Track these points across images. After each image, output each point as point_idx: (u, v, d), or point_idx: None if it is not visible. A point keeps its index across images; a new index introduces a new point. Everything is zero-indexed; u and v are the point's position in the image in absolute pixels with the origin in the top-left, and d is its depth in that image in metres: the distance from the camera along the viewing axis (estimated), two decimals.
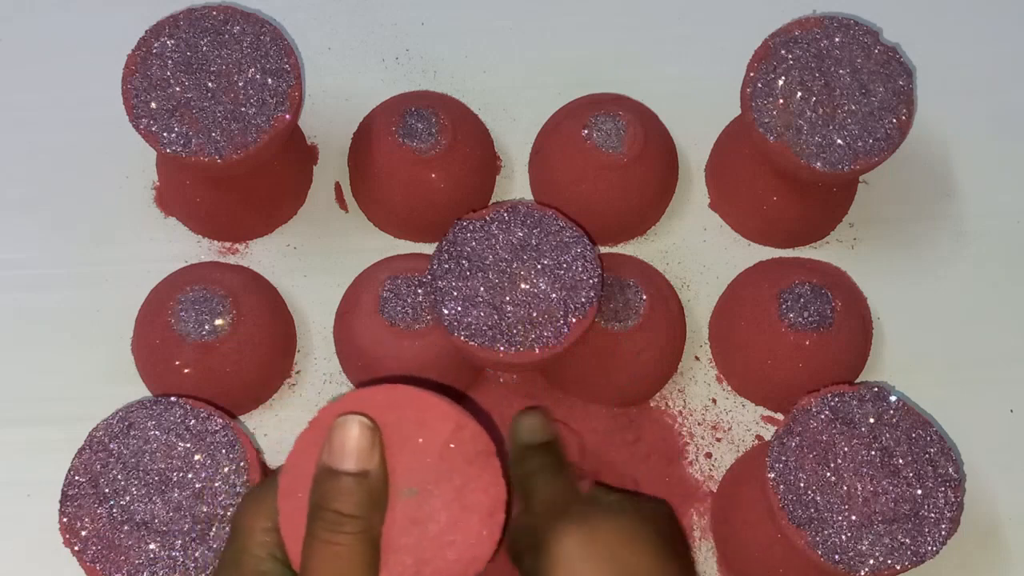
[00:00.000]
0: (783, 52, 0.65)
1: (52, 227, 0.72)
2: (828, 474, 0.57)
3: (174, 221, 0.73)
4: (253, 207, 0.71)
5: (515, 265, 0.61)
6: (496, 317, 0.60)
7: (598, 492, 0.56)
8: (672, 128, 0.74)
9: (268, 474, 0.62)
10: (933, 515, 0.56)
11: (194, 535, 0.57)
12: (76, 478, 0.58)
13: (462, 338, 0.60)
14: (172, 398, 0.59)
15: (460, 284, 0.61)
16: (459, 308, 0.60)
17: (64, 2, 0.78)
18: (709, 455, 0.68)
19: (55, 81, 0.76)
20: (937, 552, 0.56)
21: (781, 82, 0.65)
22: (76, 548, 0.57)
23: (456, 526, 0.46)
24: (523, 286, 0.61)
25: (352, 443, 0.47)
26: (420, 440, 0.47)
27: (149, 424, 0.59)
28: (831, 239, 0.73)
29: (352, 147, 0.73)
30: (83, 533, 0.57)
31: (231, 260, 0.72)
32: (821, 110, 0.64)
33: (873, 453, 0.57)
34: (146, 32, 0.64)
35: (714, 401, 0.70)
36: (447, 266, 0.61)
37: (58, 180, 0.73)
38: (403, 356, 0.64)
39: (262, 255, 0.72)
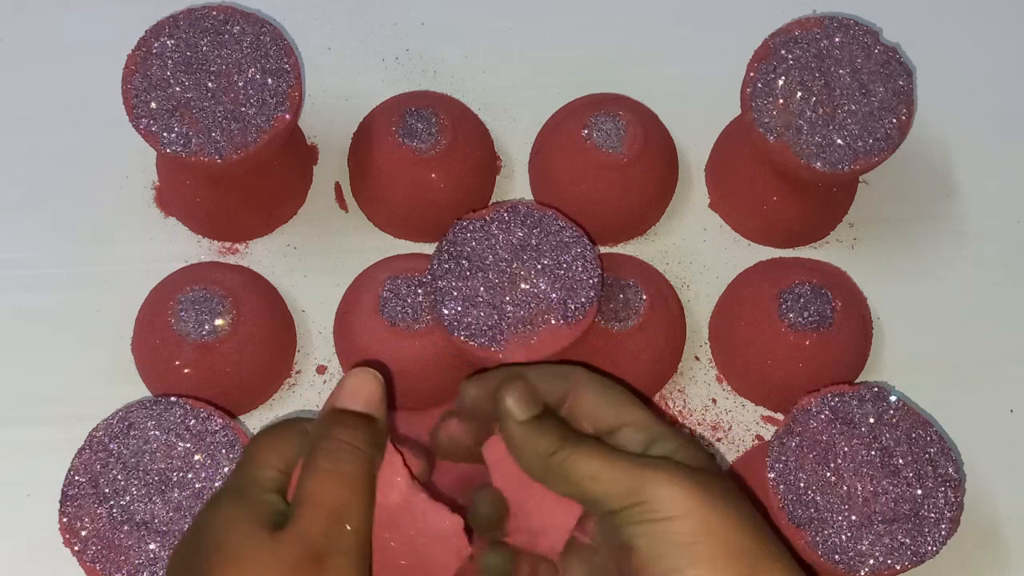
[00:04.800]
0: (783, 52, 0.65)
1: (52, 227, 0.72)
2: (828, 474, 0.57)
3: (174, 221, 0.73)
4: (253, 207, 0.71)
5: (515, 265, 0.61)
6: (496, 317, 0.60)
7: (642, 438, 0.49)
8: (672, 128, 0.74)
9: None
10: (933, 515, 0.56)
11: None
12: (76, 478, 0.58)
13: (462, 338, 0.60)
14: (172, 398, 0.59)
15: (460, 284, 0.61)
16: (459, 308, 0.60)
17: (64, 2, 0.78)
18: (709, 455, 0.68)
19: (55, 81, 0.76)
20: (937, 552, 0.56)
21: (781, 82, 0.65)
22: (76, 548, 0.57)
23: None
24: (523, 286, 0.61)
25: (364, 389, 0.48)
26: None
27: (149, 424, 0.59)
28: (831, 239, 0.73)
29: (352, 147, 0.73)
30: (83, 533, 0.57)
31: (231, 260, 0.72)
32: (821, 110, 0.64)
33: (873, 453, 0.57)
34: (146, 32, 0.64)
35: (714, 401, 0.70)
36: (447, 266, 0.61)
37: (58, 180, 0.73)
38: (403, 356, 0.64)
39: (262, 255, 0.72)
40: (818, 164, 0.64)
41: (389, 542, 0.47)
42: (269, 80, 0.64)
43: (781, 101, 0.64)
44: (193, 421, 0.59)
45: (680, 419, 0.69)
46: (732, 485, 0.48)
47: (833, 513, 0.56)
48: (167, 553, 0.56)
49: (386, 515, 0.47)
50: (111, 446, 0.58)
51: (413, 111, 0.69)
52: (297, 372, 0.70)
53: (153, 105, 0.63)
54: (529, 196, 0.74)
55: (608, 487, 0.47)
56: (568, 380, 0.50)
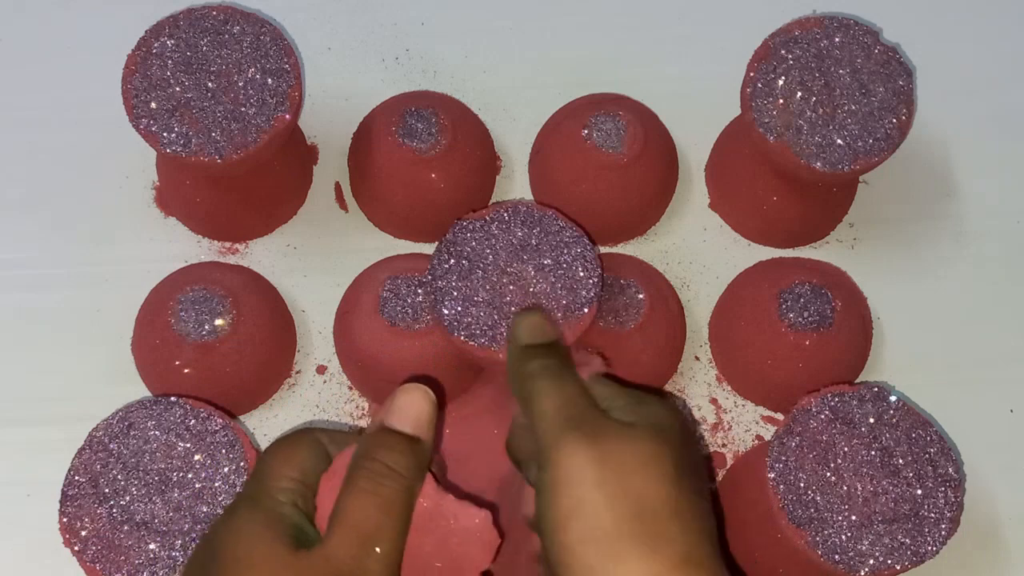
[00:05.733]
0: (783, 52, 0.65)
1: (52, 227, 0.72)
2: (828, 474, 0.57)
3: (174, 221, 0.73)
4: (253, 207, 0.71)
5: (515, 265, 0.61)
6: (496, 317, 0.60)
7: (606, 393, 0.52)
8: (672, 128, 0.74)
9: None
10: (933, 515, 0.56)
11: (194, 535, 0.57)
12: (76, 478, 0.58)
13: (462, 338, 0.60)
14: (172, 398, 0.59)
15: (460, 284, 0.61)
16: (459, 308, 0.60)
17: (64, 2, 0.78)
18: (709, 455, 0.68)
19: (55, 81, 0.76)
20: (937, 552, 0.56)
21: (781, 82, 0.65)
22: (76, 548, 0.57)
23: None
24: (523, 286, 0.61)
25: (414, 409, 0.48)
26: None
27: (149, 424, 0.59)
28: (831, 239, 0.73)
29: (352, 147, 0.73)
30: (83, 533, 0.57)
31: (231, 260, 0.72)
32: (821, 110, 0.64)
33: (873, 453, 0.57)
34: (146, 32, 0.64)
35: (714, 401, 0.70)
36: (447, 266, 0.61)
37: (58, 180, 0.73)
38: (403, 356, 0.64)
39: (262, 255, 0.72)
40: (818, 164, 0.64)
41: (423, 546, 0.47)
42: (269, 80, 0.64)
43: (781, 101, 0.64)
44: (193, 421, 0.59)
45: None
46: (658, 449, 0.47)
47: (833, 513, 0.56)
48: (167, 553, 0.56)
49: (418, 520, 0.47)
50: (111, 446, 0.58)
51: (413, 111, 0.69)
52: (297, 372, 0.70)
53: (153, 105, 0.63)
54: (529, 196, 0.74)
55: (527, 439, 0.49)
56: None
